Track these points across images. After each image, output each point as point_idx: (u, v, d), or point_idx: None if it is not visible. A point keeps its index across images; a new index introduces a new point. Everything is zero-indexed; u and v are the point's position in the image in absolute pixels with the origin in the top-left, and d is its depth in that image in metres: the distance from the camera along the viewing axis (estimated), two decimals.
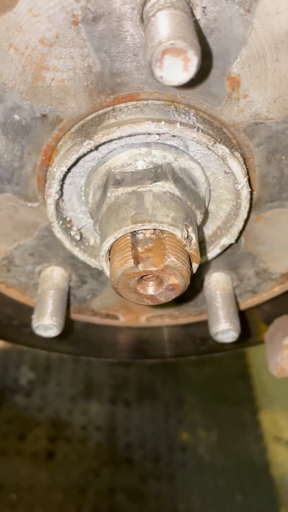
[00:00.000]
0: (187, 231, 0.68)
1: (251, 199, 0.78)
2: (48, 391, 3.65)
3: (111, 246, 0.69)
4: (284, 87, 0.67)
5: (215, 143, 0.68)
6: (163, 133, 0.67)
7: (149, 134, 0.69)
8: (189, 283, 0.69)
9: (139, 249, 0.67)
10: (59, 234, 0.80)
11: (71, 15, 0.60)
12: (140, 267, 0.66)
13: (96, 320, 1.05)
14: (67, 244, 0.82)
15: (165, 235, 0.67)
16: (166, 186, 0.70)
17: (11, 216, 0.83)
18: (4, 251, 0.90)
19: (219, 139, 0.69)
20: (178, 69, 0.51)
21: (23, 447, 3.36)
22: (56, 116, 0.70)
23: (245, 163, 0.75)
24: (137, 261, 0.66)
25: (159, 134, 0.68)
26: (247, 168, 0.76)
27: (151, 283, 0.69)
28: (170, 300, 0.71)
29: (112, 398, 3.72)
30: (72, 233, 0.81)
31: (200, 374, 3.95)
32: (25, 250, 0.90)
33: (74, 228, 0.82)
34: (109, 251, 0.70)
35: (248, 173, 0.76)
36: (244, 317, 1.11)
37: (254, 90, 0.68)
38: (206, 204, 0.80)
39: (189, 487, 3.34)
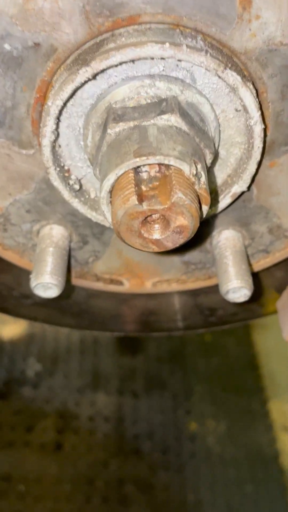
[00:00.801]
0: (196, 167, 0.61)
1: (265, 138, 0.71)
2: (55, 382, 3.63)
3: (113, 186, 0.63)
4: None
5: (225, 68, 0.62)
6: (169, 57, 0.61)
7: (153, 59, 0.62)
8: (198, 225, 0.63)
9: (144, 188, 0.61)
10: (56, 182, 0.74)
11: None
12: (145, 205, 0.59)
13: (99, 285, 0.99)
14: (66, 194, 0.75)
15: (171, 171, 0.61)
16: (172, 119, 0.63)
17: (5, 166, 0.77)
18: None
19: (230, 66, 0.62)
20: None
21: (31, 438, 3.34)
22: (50, 45, 0.64)
23: (258, 97, 0.69)
24: (141, 199, 0.60)
25: (163, 59, 0.62)
26: (260, 104, 0.70)
27: (156, 225, 0.63)
28: (177, 245, 0.65)
29: (120, 389, 3.69)
30: (71, 182, 0.75)
31: (208, 364, 3.91)
32: (21, 206, 0.84)
33: (73, 177, 0.76)
34: (111, 192, 0.63)
35: (261, 109, 0.70)
36: (256, 281, 1.05)
37: (267, 9, 0.61)
38: (216, 145, 0.73)
39: (198, 477, 3.30)
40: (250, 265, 0.92)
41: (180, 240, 0.64)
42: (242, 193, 0.78)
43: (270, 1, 0.60)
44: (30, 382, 3.60)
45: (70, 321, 1.21)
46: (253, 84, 0.68)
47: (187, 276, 0.99)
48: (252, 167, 0.73)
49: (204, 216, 0.66)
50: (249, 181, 0.75)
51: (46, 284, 0.81)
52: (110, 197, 0.63)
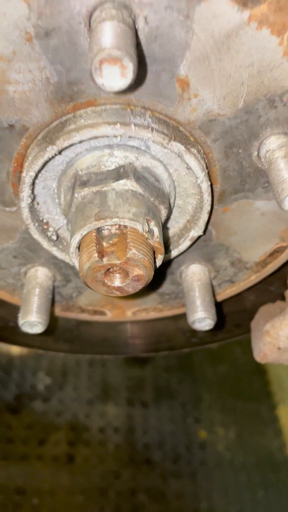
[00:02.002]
0: (148, 225, 0.73)
1: (212, 192, 0.82)
2: (65, 395, 3.70)
3: (79, 243, 0.74)
4: (231, 84, 0.71)
5: (169, 141, 0.73)
6: (120, 135, 0.72)
7: (108, 136, 0.74)
8: (153, 273, 0.74)
9: (104, 244, 0.72)
10: (36, 235, 0.85)
11: (24, 32, 0.65)
12: (105, 260, 0.71)
13: (85, 316, 1.11)
14: (45, 244, 0.87)
15: (127, 230, 0.72)
16: (128, 184, 0.75)
17: None
18: None
19: (174, 138, 0.74)
20: (117, 76, 0.56)
21: (44, 451, 3.40)
22: (22, 125, 0.75)
23: (205, 158, 0.80)
24: (101, 255, 0.71)
25: (116, 136, 0.73)
26: (207, 163, 0.81)
27: (117, 275, 0.74)
28: (137, 290, 0.76)
29: (129, 400, 3.75)
30: (49, 233, 0.87)
31: (216, 371, 3.95)
32: (9, 252, 0.95)
33: (51, 229, 0.87)
34: (78, 247, 0.75)
35: (208, 168, 0.81)
36: (226, 307, 1.15)
37: (203, 89, 0.72)
38: (172, 199, 0.84)
39: (211, 484, 3.35)
40: (215, 295, 1.03)
41: (139, 286, 0.75)
42: (199, 236, 0.89)
43: (204, 83, 0.71)
44: (40, 396, 3.67)
45: (63, 346, 1.32)
46: (200, 146, 0.79)
47: (163, 305, 1.10)
48: (204, 216, 0.84)
49: (160, 263, 0.77)
50: (203, 227, 0.86)
51: (32, 322, 0.92)
52: (78, 252, 0.75)
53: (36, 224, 0.85)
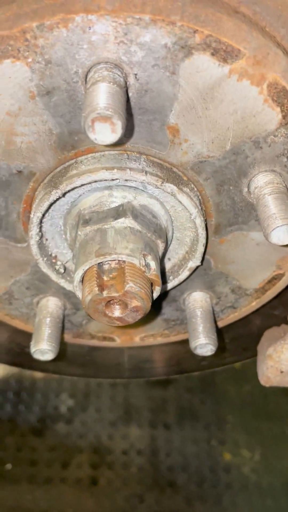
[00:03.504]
0: (145, 259, 0.79)
1: (206, 225, 0.88)
2: (88, 417, 3.71)
3: (82, 277, 0.81)
4: (217, 129, 0.78)
5: (162, 183, 0.79)
6: (116, 179, 0.79)
7: (105, 180, 0.81)
8: (150, 304, 0.80)
9: (105, 278, 0.79)
10: (45, 269, 0.93)
11: (28, 91, 0.73)
12: (105, 293, 0.77)
13: (95, 342, 1.17)
14: (53, 277, 0.94)
15: (125, 265, 0.78)
16: (126, 222, 0.81)
17: (6, 256, 0.97)
18: (4, 287, 1.03)
19: (167, 179, 0.80)
20: (107, 132, 0.63)
21: (67, 474, 3.40)
22: (30, 171, 0.83)
23: (198, 195, 0.86)
24: (102, 288, 0.77)
25: (113, 179, 0.80)
26: (201, 199, 0.87)
27: (117, 306, 0.80)
28: (136, 320, 0.82)
29: (152, 422, 3.74)
30: (57, 267, 0.94)
31: (240, 391, 3.91)
32: (21, 284, 1.03)
33: (59, 262, 0.95)
34: (81, 281, 0.81)
35: (202, 204, 0.87)
36: (232, 331, 1.20)
37: (192, 135, 0.79)
38: (170, 233, 0.91)
39: (236, 508, 3.29)
40: (218, 321, 1.08)
41: (138, 316, 0.81)
42: (197, 266, 0.95)
43: (193, 129, 0.78)
44: (63, 418, 3.70)
45: (77, 371, 1.38)
46: (193, 185, 0.85)
47: (169, 331, 1.16)
48: (200, 248, 0.90)
49: (158, 294, 0.83)
50: (200, 257, 0.92)
51: (43, 350, 0.99)
52: (81, 286, 0.81)
53: (45, 258, 0.92)
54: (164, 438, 3.68)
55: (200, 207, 0.85)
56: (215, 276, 1.02)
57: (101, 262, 0.80)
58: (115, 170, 0.78)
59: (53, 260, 0.94)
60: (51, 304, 1.04)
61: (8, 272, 1.00)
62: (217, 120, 0.77)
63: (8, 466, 3.39)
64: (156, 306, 1.08)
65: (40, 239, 0.88)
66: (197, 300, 1.04)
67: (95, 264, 0.79)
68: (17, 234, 0.93)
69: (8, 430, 3.57)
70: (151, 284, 0.81)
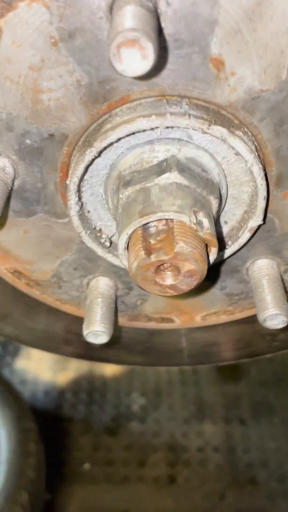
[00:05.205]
0: (196, 216, 0.68)
1: (266, 175, 0.76)
2: (161, 415, 3.68)
3: (127, 243, 0.71)
4: (269, 54, 0.66)
5: (210, 125, 0.69)
6: (156, 127, 0.70)
7: (145, 130, 0.71)
8: (206, 267, 0.69)
9: (152, 241, 0.69)
10: (89, 243, 0.84)
11: (49, 37, 0.65)
12: (152, 257, 0.67)
13: (152, 325, 1.07)
14: (99, 251, 0.86)
15: (174, 224, 0.68)
16: (172, 177, 0.71)
17: (48, 235, 0.90)
18: (51, 269, 0.96)
19: (214, 121, 0.69)
20: (137, 58, 0.54)
21: (144, 473, 3.39)
22: (62, 133, 0.75)
23: (253, 140, 0.74)
24: (149, 252, 0.68)
25: (152, 128, 0.70)
26: (257, 145, 0.75)
27: (168, 273, 0.70)
28: (193, 287, 0.71)
29: (226, 418, 3.65)
30: (102, 240, 0.85)
31: None
32: (69, 265, 0.95)
33: (104, 236, 0.86)
34: (127, 248, 0.72)
35: (259, 150, 0.75)
36: None
37: (240, 65, 0.67)
38: (223, 189, 0.79)
39: None
40: (287, 292, 0.95)
41: (193, 282, 0.70)
42: (259, 226, 0.83)
43: (240, 58, 0.67)
44: (136, 416, 3.68)
45: (138, 359, 1.30)
46: (246, 128, 0.74)
47: (233, 307, 1.04)
48: (261, 203, 0.78)
49: (215, 256, 0.73)
50: (261, 215, 0.80)
51: (96, 332, 0.91)
52: (127, 253, 0.72)
53: (88, 231, 0.84)
54: (240, 434, 3.58)
55: (256, 153, 0.73)
56: (281, 238, 0.90)
57: (147, 224, 0.70)
58: (153, 116, 0.68)
59: (98, 234, 0.86)
60: (102, 284, 0.96)
61: (53, 252, 0.93)
62: (268, 43, 0.65)
63: (87, 466, 3.41)
64: (215, 277, 0.97)
65: (80, 209, 0.80)
66: (263, 268, 0.92)
67: (140, 226, 0.69)
68: (57, 208, 0.86)
69: (83, 431, 3.60)
70: (206, 245, 0.71)
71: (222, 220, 0.87)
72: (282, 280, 0.94)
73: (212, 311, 1.05)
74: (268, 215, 0.85)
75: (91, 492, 3.30)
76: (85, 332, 0.91)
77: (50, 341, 1.22)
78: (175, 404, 3.79)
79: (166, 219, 0.70)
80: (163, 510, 3.25)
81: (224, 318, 1.06)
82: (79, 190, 0.78)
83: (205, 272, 0.70)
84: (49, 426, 3.45)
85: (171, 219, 0.69)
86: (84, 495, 3.29)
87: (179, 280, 0.70)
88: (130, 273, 0.70)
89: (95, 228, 0.86)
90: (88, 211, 0.85)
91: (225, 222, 0.87)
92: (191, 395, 3.83)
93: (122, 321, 1.07)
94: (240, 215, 0.85)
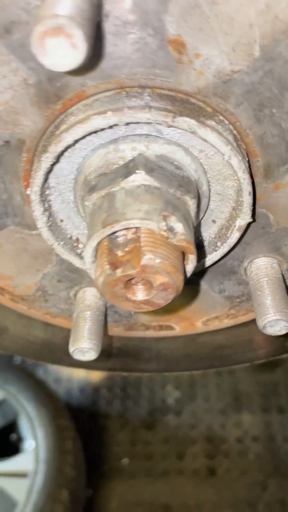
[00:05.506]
0: (166, 222, 0.60)
1: (249, 168, 0.67)
2: (197, 407, 3.64)
3: (94, 256, 0.64)
4: (236, 30, 0.57)
5: (174, 117, 0.60)
6: (115, 124, 0.61)
7: (104, 129, 0.63)
8: (182, 277, 0.61)
9: (119, 253, 0.61)
10: (64, 255, 0.77)
11: None
12: (119, 272, 0.60)
13: (151, 333, 1.00)
14: (77, 263, 0.79)
15: (141, 233, 0.60)
16: (139, 179, 0.63)
17: (25, 248, 0.84)
18: (33, 283, 0.90)
19: (180, 112, 0.61)
20: (65, 48, 0.46)
21: (184, 466, 3.37)
22: (18, 139, 0.68)
23: (231, 129, 0.65)
24: (115, 266, 0.60)
25: (111, 126, 0.62)
26: (237, 134, 0.66)
27: (140, 287, 0.62)
28: (170, 300, 0.63)
29: (264, 407, 3.57)
30: (79, 251, 0.78)
31: None
32: (52, 277, 0.89)
33: (81, 246, 0.79)
34: (94, 262, 0.65)
35: (239, 139, 0.66)
36: None
37: (204, 45, 0.58)
38: (205, 187, 0.71)
39: None
40: None
41: (170, 296, 0.62)
42: (249, 224, 0.74)
43: (203, 37, 0.58)
44: (172, 410, 3.65)
45: (146, 366, 1.22)
46: (222, 116, 0.65)
47: (235, 310, 0.95)
48: (247, 199, 0.69)
49: (194, 264, 0.64)
50: (249, 212, 0.71)
51: (82, 349, 0.84)
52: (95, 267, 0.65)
53: (62, 242, 0.77)
54: (279, 423, 3.50)
55: (235, 144, 0.64)
56: (278, 234, 0.80)
57: (113, 234, 0.63)
58: (109, 112, 0.60)
59: (75, 244, 0.79)
60: (89, 296, 0.89)
61: (33, 265, 0.87)
62: (232, 16, 0.56)
63: (125, 460, 3.40)
64: (210, 279, 0.88)
65: (49, 219, 0.73)
66: (261, 268, 0.83)
67: (105, 237, 0.62)
68: (28, 220, 0.79)
69: (120, 426, 3.60)
70: (182, 253, 0.63)
71: (210, 219, 0.78)
72: (285, 280, 0.84)
73: (213, 315, 0.96)
74: (260, 210, 0.76)
75: (131, 487, 3.30)
76: (71, 349, 0.85)
77: (52, 353, 1.17)
78: (210, 395, 3.74)
79: (135, 228, 0.62)
80: (205, 502, 3.22)
81: (227, 322, 0.97)
82: (45, 199, 0.71)
83: (181, 283, 0.61)
84: (86, 423, 3.46)
85: (139, 228, 0.61)
86: (124, 490, 3.29)
87: (153, 294, 0.62)
88: (98, 290, 0.63)
89: (70, 238, 0.79)
90: (61, 220, 0.77)
91: (213, 221, 0.78)
92: (227, 386, 3.77)
93: (119, 331, 1.00)
94: (228, 212, 0.76)
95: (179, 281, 0.61)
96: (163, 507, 3.22)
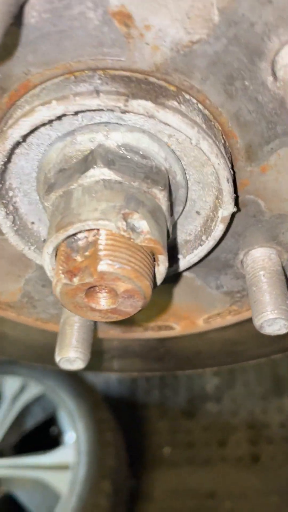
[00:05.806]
0: (126, 221, 0.53)
1: (226, 151, 0.59)
2: (237, 393, 3.58)
3: (52, 263, 0.58)
4: None
5: (127, 101, 0.52)
6: (63, 114, 0.55)
7: (51, 121, 0.56)
8: (149, 282, 0.54)
9: (78, 259, 0.55)
10: (38, 260, 0.72)
11: None
12: (76, 280, 0.53)
13: (151, 334, 0.93)
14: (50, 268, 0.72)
15: (99, 235, 0.54)
16: (97, 174, 0.56)
17: (1, 255, 0.79)
18: (17, 289, 0.85)
19: (133, 95, 0.53)
20: None
21: (226, 453, 3.33)
22: None
23: (200, 108, 0.57)
24: (72, 273, 0.54)
25: (59, 117, 0.55)
26: (208, 113, 0.58)
27: (104, 294, 0.55)
28: (140, 308, 0.56)
29: None
30: None
31: None
32: (35, 282, 0.84)
33: None
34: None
35: (211, 120, 0.58)
36: None
37: (153, 15, 0.50)
38: (179, 176, 0.63)
39: None
40: None
41: (138, 303, 0.55)
42: (234, 213, 0.65)
43: (151, 5, 0.50)
44: (212, 397, 3.61)
45: (154, 366, 1.16)
46: (188, 94, 0.57)
47: (237, 306, 0.87)
48: (226, 186, 0.61)
49: (166, 266, 0.57)
50: (231, 201, 0.62)
51: (69, 358, 0.78)
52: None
53: (34, 247, 0.71)
54: None
55: (204, 125, 0.56)
56: (273, 221, 0.71)
57: (73, 237, 0.56)
58: (54, 102, 0.53)
59: None
60: None
61: (13, 271, 0.82)
62: None
63: (167, 449, 3.39)
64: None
65: (14, 223, 0.68)
66: (257, 260, 0.74)
67: (61, 242, 0.55)
68: None
69: (159, 415, 3.58)
70: (151, 254, 0.55)
71: (193, 210, 0.70)
72: (284, 271, 0.75)
73: (214, 312, 0.89)
74: (248, 196, 0.68)
75: (174, 476, 3.29)
76: (57, 358, 0.79)
77: (53, 356, 1.13)
78: (250, 381, 3.67)
79: (97, 229, 0.56)
80: (250, 489, 3.17)
81: (230, 319, 0.89)
82: (8, 201, 0.65)
83: (149, 289, 0.54)
84: (125, 413, 3.45)
85: (96, 229, 0.54)
86: (168, 478, 3.28)
87: (119, 302, 0.55)
88: (60, 301, 0.56)
89: (44, 240, 0.73)
90: (32, 222, 0.72)
91: (197, 213, 0.70)
92: (266, 370, 3.68)
93: (116, 334, 0.94)
94: (212, 201, 0.68)
95: (145, 287, 0.54)
96: (207, 494, 3.18)
